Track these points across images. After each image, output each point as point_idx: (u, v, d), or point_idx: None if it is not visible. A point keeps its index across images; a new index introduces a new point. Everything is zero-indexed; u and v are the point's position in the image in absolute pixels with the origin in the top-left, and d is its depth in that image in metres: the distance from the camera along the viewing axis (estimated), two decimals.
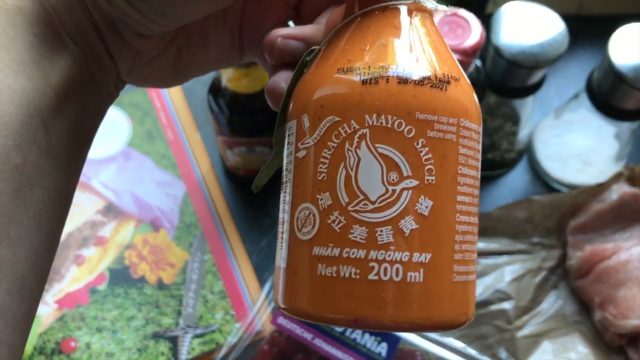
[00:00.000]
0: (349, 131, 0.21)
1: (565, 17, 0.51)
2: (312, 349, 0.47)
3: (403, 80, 0.21)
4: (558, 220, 0.56)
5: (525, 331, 0.52)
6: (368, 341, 0.46)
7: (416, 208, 0.21)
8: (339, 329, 0.47)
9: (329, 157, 0.22)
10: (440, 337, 0.48)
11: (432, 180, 0.21)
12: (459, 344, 0.48)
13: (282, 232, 0.24)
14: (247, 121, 0.50)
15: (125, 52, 0.25)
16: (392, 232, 0.21)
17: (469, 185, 0.23)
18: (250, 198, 0.60)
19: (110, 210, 0.57)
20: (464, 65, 0.38)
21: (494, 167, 0.61)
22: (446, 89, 0.22)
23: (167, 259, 0.56)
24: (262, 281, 0.55)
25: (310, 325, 0.47)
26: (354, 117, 0.21)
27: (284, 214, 0.24)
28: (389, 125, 0.21)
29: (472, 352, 0.48)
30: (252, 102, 0.48)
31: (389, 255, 0.21)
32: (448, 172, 0.22)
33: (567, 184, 0.60)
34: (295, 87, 0.24)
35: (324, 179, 0.22)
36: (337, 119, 0.22)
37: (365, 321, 0.21)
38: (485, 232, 0.56)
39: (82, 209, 0.57)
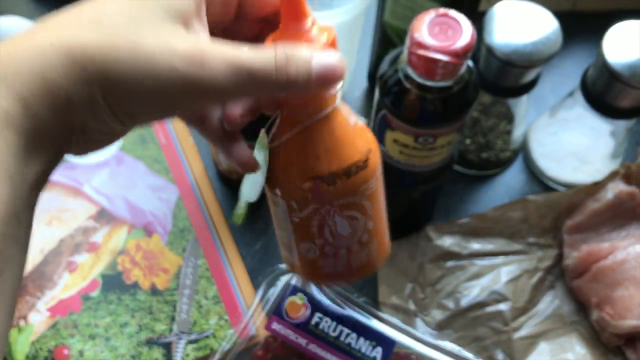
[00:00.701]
0: (326, 210, 0.34)
1: (559, 14, 0.51)
2: (307, 354, 0.46)
3: (346, 176, 0.33)
4: (554, 219, 0.56)
5: (522, 332, 0.51)
6: (363, 346, 0.46)
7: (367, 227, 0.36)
8: (333, 334, 0.46)
9: (317, 222, 0.34)
10: (436, 341, 0.48)
11: (372, 215, 0.36)
12: (454, 347, 0.47)
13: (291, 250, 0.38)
14: None
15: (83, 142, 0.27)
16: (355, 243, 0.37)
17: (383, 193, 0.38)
18: None
19: (103, 216, 0.57)
20: (455, 67, 0.38)
21: (488, 166, 0.61)
22: (367, 165, 0.34)
23: (160, 265, 0.55)
24: (256, 285, 0.54)
25: (304, 331, 0.46)
26: (328, 203, 0.33)
27: (290, 242, 0.38)
28: (349, 201, 0.34)
29: (467, 355, 0.47)
30: None
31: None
32: (378, 203, 0.37)
33: (563, 182, 0.60)
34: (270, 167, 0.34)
35: (317, 230, 0.35)
36: (317, 205, 0.34)
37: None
38: (480, 233, 0.55)
39: (74, 215, 0.57)
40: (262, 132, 0.34)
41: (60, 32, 0.24)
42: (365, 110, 0.65)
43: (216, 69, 0.25)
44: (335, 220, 0.34)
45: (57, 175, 0.58)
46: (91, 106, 0.24)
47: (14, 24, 0.64)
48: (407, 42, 0.39)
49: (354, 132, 0.33)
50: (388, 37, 0.56)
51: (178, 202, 0.58)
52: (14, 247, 0.24)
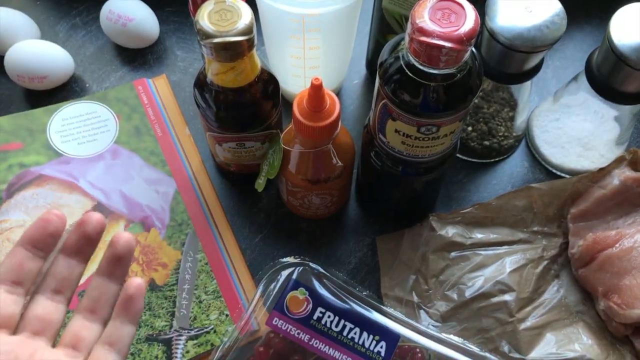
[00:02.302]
0: (307, 193, 0.52)
1: None
2: (309, 350, 0.45)
3: (325, 181, 0.50)
4: (559, 207, 0.55)
5: (527, 323, 0.51)
6: (366, 340, 0.45)
7: None
8: (336, 329, 0.45)
9: (300, 195, 0.53)
10: (440, 334, 0.47)
11: (337, 193, 0.54)
12: (459, 340, 0.46)
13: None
14: (235, 116, 0.49)
15: None
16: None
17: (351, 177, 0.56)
18: (243, 194, 0.58)
19: (99, 210, 0.55)
20: (459, 54, 0.36)
21: (491, 154, 0.59)
22: (340, 175, 0.51)
23: (158, 259, 0.54)
24: (256, 279, 0.53)
25: (306, 326, 0.46)
26: (309, 190, 0.52)
27: (284, 194, 0.55)
28: (323, 191, 0.52)
29: (473, 347, 0.46)
30: (239, 96, 0.47)
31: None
32: (345, 187, 0.54)
33: (567, 169, 0.59)
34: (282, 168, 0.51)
35: (300, 197, 0.53)
36: (302, 189, 0.52)
37: None
38: (484, 222, 0.54)
39: (70, 210, 0.55)
40: (280, 134, 0.50)
41: None
42: (364, 98, 0.64)
43: None
44: (312, 197, 0.52)
45: (51, 170, 0.57)
46: None
47: (4, 14, 0.63)
48: (409, 28, 0.37)
49: (335, 157, 0.49)
50: (387, 23, 0.54)
51: (176, 196, 0.57)
52: None
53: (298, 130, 0.45)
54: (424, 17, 0.36)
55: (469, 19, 0.36)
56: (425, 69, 0.38)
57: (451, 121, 0.42)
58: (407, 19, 0.53)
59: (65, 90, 0.64)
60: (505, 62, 0.50)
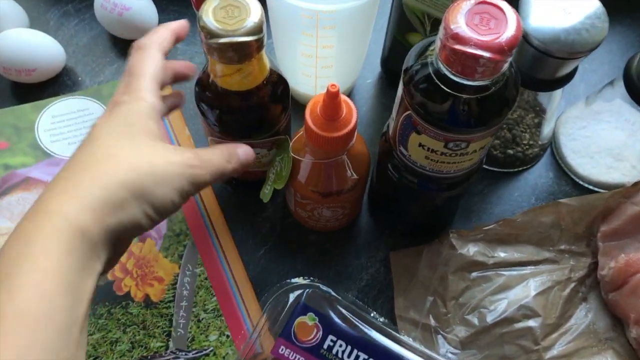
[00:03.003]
0: (317, 205, 0.48)
1: None
2: None
3: (337, 194, 0.46)
4: (588, 225, 0.51)
5: (554, 352, 0.47)
6: None
7: None
8: (349, 359, 0.41)
9: (310, 207, 0.48)
10: None
11: (349, 206, 0.49)
12: None
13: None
14: (240, 121, 0.44)
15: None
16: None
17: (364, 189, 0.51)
18: (246, 202, 0.54)
19: None
20: (498, 65, 0.32)
21: (514, 164, 0.55)
22: (354, 188, 0.46)
23: (154, 273, 0.50)
24: (260, 297, 0.49)
25: (316, 356, 0.42)
26: (319, 203, 0.47)
27: (292, 203, 0.51)
28: (335, 204, 0.47)
29: None
30: (246, 100, 0.42)
31: None
32: (357, 200, 0.50)
33: (595, 181, 0.55)
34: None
35: (309, 209, 0.49)
36: (311, 202, 0.47)
37: None
38: (507, 239, 0.50)
39: None
40: (290, 142, 0.45)
41: (112, 177, 0.32)
42: (377, 98, 0.59)
43: (202, 172, 0.36)
44: (322, 210, 0.48)
45: (39, 173, 0.53)
46: (133, 211, 0.32)
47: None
48: (441, 33, 0.33)
49: (350, 169, 0.44)
50: (407, 21, 0.50)
51: None
52: (73, 346, 0.29)
53: (310, 139, 0.41)
54: (459, 22, 0.32)
55: (511, 26, 0.32)
56: (458, 80, 0.34)
57: (483, 136, 0.37)
58: (429, 17, 0.48)
59: (56, 84, 0.59)
60: (537, 67, 0.45)
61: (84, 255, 0.30)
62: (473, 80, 0.34)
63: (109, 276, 0.49)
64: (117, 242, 0.32)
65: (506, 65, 0.34)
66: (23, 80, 0.57)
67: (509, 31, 0.32)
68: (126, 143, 0.34)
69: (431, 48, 0.36)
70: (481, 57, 0.31)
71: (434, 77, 0.35)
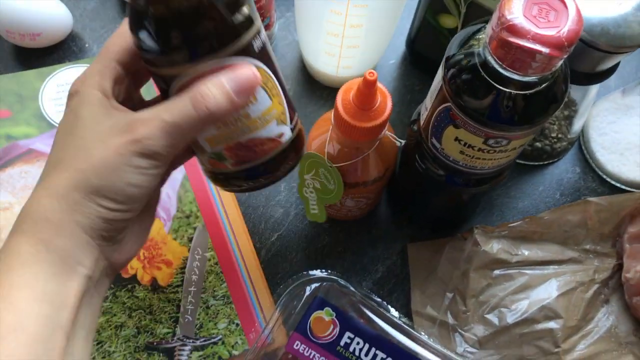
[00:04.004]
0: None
1: None
2: None
3: (364, 185, 0.43)
4: (615, 225, 0.49)
5: (574, 355, 0.45)
6: None
7: None
8: (366, 358, 0.40)
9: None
10: None
11: (373, 196, 0.47)
12: None
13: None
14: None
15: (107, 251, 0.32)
16: None
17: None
18: None
19: None
20: (553, 61, 0.29)
21: (542, 157, 0.53)
22: (382, 179, 0.44)
23: (162, 256, 0.48)
24: (271, 283, 0.48)
25: (332, 353, 0.40)
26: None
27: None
28: (361, 194, 0.45)
29: None
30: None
31: None
32: (380, 190, 0.47)
33: (624, 180, 0.53)
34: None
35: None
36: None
37: None
38: (532, 237, 0.48)
39: None
40: (326, 159, 0.41)
41: (63, 181, 0.30)
42: (401, 81, 0.57)
43: (151, 136, 0.30)
44: (345, 200, 0.45)
45: (43, 145, 0.50)
46: (90, 209, 0.30)
47: None
48: (494, 22, 0.30)
49: (378, 158, 0.42)
50: (441, 1, 0.47)
51: (184, 183, 0.50)
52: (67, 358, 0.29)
53: (340, 128, 0.38)
54: (516, 13, 0.29)
55: (571, 19, 0.29)
56: (508, 74, 0.31)
57: (526, 134, 0.35)
58: (465, 0, 0.45)
59: (62, 50, 0.56)
60: (578, 59, 0.43)
61: (53, 262, 0.29)
62: (525, 76, 0.31)
63: None
64: (104, 237, 0.31)
65: (561, 62, 0.31)
66: (27, 45, 0.54)
67: (570, 25, 0.29)
68: (71, 142, 0.31)
69: (477, 37, 0.34)
70: (539, 52, 0.29)
71: (480, 69, 0.33)
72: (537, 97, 0.33)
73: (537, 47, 0.29)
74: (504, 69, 0.31)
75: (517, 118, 0.33)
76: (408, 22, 0.56)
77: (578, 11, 0.29)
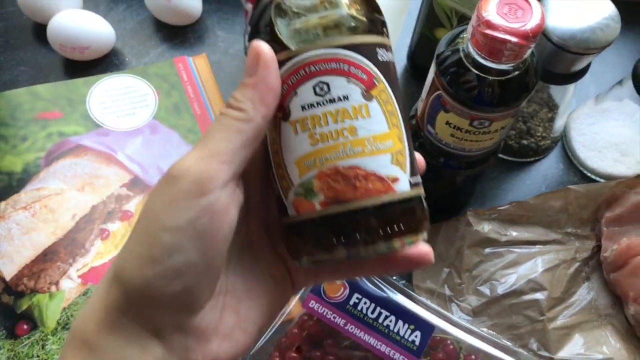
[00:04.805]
0: None
1: None
2: (344, 334, 0.46)
3: None
4: (594, 211, 0.55)
5: (557, 323, 0.51)
6: (401, 329, 0.45)
7: None
8: (372, 315, 0.46)
9: None
10: (472, 326, 0.47)
11: None
12: (492, 334, 0.47)
13: None
14: None
15: (191, 339, 0.27)
16: None
17: None
18: None
19: (136, 184, 0.56)
20: (522, 50, 0.37)
21: (528, 154, 0.60)
22: None
23: None
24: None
25: (342, 311, 0.46)
26: None
27: None
28: None
29: (505, 342, 0.47)
30: None
31: None
32: None
33: (602, 174, 0.59)
34: None
35: None
36: None
37: None
38: (519, 220, 0.55)
39: (106, 182, 0.56)
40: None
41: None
42: (403, 89, 0.64)
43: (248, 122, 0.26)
44: None
45: (90, 141, 0.57)
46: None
47: None
48: (474, 20, 0.37)
49: None
50: (436, 17, 0.54)
51: None
52: None
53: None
54: (490, 11, 0.36)
55: (535, 15, 0.36)
56: (486, 63, 0.38)
57: (504, 117, 0.42)
58: (457, 13, 0.53)
59: (105, 63, 0.64)
60: (555, 62, 0.50)
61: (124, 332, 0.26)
62: (499, 64, 0.38)
63: None
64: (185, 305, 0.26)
65: (529, 52, 0.38)
66: (76, 58, 0.62)
67: (534, 20, 0.36)
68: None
69: (461, 36, 0.41)
70: (509, 41, 0.36)
71: (464, 60, 0.40)
72: (512, 83, 0.40)
73: (507, 37, 0.36)
74: (483, 58, 0.38)
75: (495, 101, 0.40)
76: (409, 37, 0.63)
77: (541, 10, 0.37)
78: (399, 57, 0.65)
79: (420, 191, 0.29)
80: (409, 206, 0.27)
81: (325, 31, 0.26)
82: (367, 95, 0.26)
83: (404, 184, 0.27)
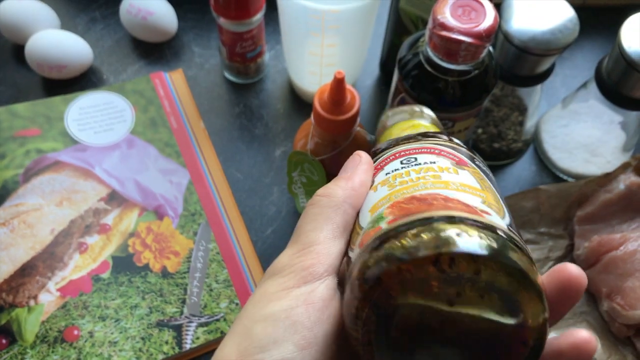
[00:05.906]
0: None
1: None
2: None
3: None
4: (565, 210, 0.56)
5: None
6: None
7: None
8: None
9: None
10: None
11: None
12: None
13: None
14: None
15: None
16: None
17: None
18: (255, 187, 0.59)
19: (114, 198, 0.56)
20: (477, 50, 0.38)
21: (500, 157, 0.61)
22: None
23: (171, 247, 0.55)
24: (266, 269, 0.54)
25: None
26: None
27: None
28: None
29: None
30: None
31: None
32: None
33: (574, 174, 0.60)
34: None
35: None
36: None
37: None
38: None
39: (84, 197, 0.56)
40: (309, 153, 0.47)
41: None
42: (376, 99, 0.65)
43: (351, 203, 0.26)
44: None
45: (68, 157, 0.58)
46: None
47: (26, 4, 0.64)
48: (430, 23, 0.39)
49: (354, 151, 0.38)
50: (403, 24, 0.56)
51: (189, 186, 0.58)
52: None
53: (318, 124, 0.46)
54: (445, 13, 0.38)
55: (489, 17, 0.38)
56: (444, 64, 0.40)
57: (466, 117, 0.43)
58: (422, 20, 0.54)
59: (83, 81, 0.65)
60: (518, 64, 0.51)
61: None
62: (457, 64, 0.39)
63: (130, 249, 0.54)
64: None
65: (485, 52, 0.39)
66: (54, 77, 0.63)
67: (487, 21, 0.37)
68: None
69: (421, 40, 0.42)
70: (463, 42, 0.37)
71: (424, 63, 0.41)
72: (472, 83, 0.41)
73: (462, 37, 0.37)
74: (441, 59, 0.39)
75: (457, 101, 0.42)
76: (380, 47, 0.65)
77: (494, 11, 0.38)
78: (372, 67, 0.66)
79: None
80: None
81: None
82: (458, 165, 0.24)
83: (496, 219, 0.21)
